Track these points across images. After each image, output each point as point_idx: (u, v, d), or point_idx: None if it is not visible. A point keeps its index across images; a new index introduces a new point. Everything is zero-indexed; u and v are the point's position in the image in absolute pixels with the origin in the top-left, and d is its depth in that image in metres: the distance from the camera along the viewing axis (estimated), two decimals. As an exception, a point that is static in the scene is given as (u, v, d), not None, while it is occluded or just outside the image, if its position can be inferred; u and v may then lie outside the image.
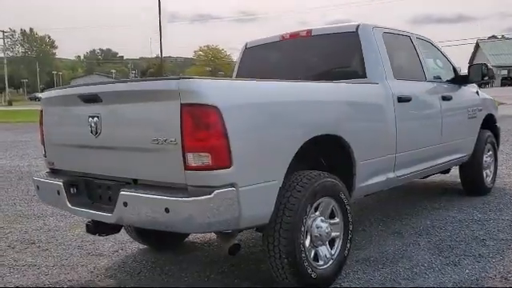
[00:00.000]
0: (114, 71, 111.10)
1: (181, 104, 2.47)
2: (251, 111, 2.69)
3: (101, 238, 4.52)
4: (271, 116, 2.79)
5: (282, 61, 4.59)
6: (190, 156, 2.48)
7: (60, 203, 3.19)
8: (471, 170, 5.43)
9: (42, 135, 3.48)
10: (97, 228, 3.10)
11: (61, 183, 3.13)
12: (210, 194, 2.45)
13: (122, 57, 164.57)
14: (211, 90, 2.52)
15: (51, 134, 3.41)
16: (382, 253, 3.88)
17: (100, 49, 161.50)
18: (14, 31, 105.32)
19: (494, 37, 72.95)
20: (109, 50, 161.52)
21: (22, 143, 14.35)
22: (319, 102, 3.19)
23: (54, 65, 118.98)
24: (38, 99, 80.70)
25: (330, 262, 3.20)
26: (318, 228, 3.11)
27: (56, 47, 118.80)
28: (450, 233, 4.33)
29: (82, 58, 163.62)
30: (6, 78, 74.84)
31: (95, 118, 2.91)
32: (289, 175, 2.92)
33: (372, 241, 4.19)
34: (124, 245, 4.37)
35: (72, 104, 3.12)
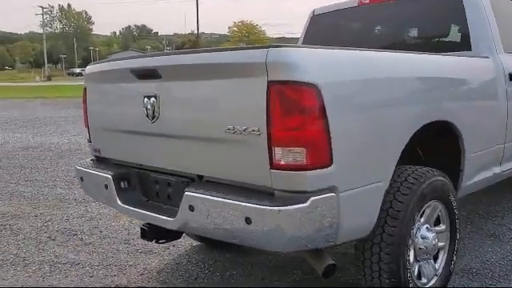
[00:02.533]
0: (149, 47, 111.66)
1: (268, 82, 1.86)
2: (358, 91, 2.06)
3: (148, 230, 4.07)
4: (382, 97, 2.15)
5: (360, 30, 3.90)
6: (278, 151, 1.88)
7: (108, 199, 2.67)
8: None
9: (86, 117, 2.95)
10: (154, 233, 2.55)
11: (110, 176, 2.61)
12: (304, 202, 1.86)
13: (157, 33, 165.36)
14: (310, 63, 1.89)
15: (97, 116, 2.88)
16: (483, 262, 3.23)
17: (135, 25, 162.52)
18: (53, 7, 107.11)
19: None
20: (144, 26, 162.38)
21: (61, 119, 14.18)
22: (434, 79, 2.52)
23: (91, 41, 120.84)
24: (75, 74, 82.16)
25: (435, 280, 2.59)
26: (423, 239, 2.49)
27: (93, 23, 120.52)
28: (560, 238, 3.62)
29: (117, 34, 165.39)
30: (45, 54, 76.18)
31: (152, 99, 2.35)
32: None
33: (466, 246, 3.53)
34: (175, 241, 3.87)
35: (123, 80, 2.56)
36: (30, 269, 3.38)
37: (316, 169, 1.88)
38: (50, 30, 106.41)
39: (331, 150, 1.89)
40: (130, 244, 3.84)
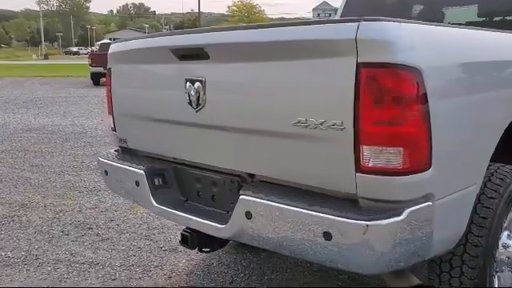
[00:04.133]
0: (146, 25, 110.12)
1: (358, 64, 1.50)
2: (460, 76, 1.70)
3: (169, 224, 3.74)
4: (484, 83, 1.80)
5: (411, 2, 3.49)
6: (367, 150, 1.52)
7: (139, 198, 2.32)
8: None
9: (111, 103, 2.57)
10: (198, 241, 2.19)
11: (142, 171, 2.25)
12: (398, 215, 1.51)
13: (154, 12, 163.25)
14: (411, 42, 1.52)
15: (124, 101, 2.50)
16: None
17: (132, 3, 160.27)
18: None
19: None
20: (141, 5, 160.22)
21: (62, 99, 13.75)
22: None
23: (88, 19, 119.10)
24: (73, 53, 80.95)
25: (512, 294, 2.26)
26: (505, 248, 2.16)
27: (89, 1, 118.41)
28: None
29: (114, 12, 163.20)
30: (42, 31, 74.92)
31: (196, 84, 1.98)
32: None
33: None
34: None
35: (160, 61, 2.18)
36: (45, 269, 3.05)
37: (413, 173, 1.53)
38: (46, 7, 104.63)
39: (431, 149, 1.54)
40: (151, 240, 3.51)
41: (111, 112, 2.61)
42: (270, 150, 1.80)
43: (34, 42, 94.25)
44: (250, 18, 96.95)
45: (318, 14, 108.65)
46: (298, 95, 1.66)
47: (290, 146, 1.71)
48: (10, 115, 10.44)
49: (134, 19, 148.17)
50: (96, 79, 18.83)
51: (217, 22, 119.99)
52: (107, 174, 2.54)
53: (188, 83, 2.02)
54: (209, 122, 2.00)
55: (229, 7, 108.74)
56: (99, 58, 18.82)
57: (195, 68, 2.01)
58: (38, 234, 3.65)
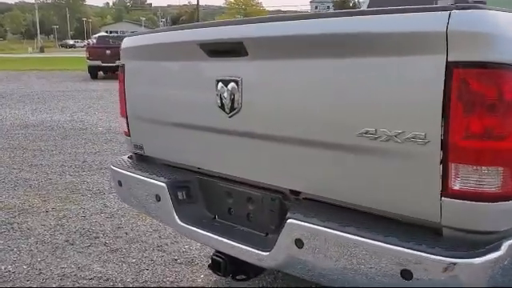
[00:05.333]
0: (143, 19, 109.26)
1: (448, 63, 1.20)
2: None
3: (182, 232, 3.45)
4: None
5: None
6: (456, 170, 1.24)
7: (161, 214, 2.03)
8: None
9: (124, 104, 2.27)
10: (232, 267, 1.89)
11: (163, 184, 1.95)
12: (496, 250, 1.22)
13: (151, 4, 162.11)
14: None
15: (141, 103, 2.19)
16: None
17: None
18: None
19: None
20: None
21: (59, 93, 13.39)
22: None
23: (84, 11, 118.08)
24: (68, 46, 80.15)
25: None
26: None
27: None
28: None
29: (110, 5, 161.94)
30: (38, 24, 74.07)
31: (231, 85, 1.68)
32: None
33: None
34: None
35: (185, 58, 1.88)
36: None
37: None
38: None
39: None
40: (164, 251, 3.22)
41: (124, 114, 2.31)
42: (324, 165, 1.50)
43: (30, 35, 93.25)
44: (246, 11, 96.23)
45: (316, 7, 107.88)
46: (365, 100, 1.36)
47: (352, 162, 1.42)
48: (6, 110, 10.10)
49: (131, 12, 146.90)
50: (94, 73, 18.47)
51: (213, 14, 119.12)
52: (121, 185, 2.24)
53: (220, 84, 1.73)
54: (244, 129, 1.71)
55: (226, 0, 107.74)
56: (97, 51, 18.50)
57: (229, 66, 1.71)
58: (40, 243, 3.36)
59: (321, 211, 1.51)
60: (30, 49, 61.87)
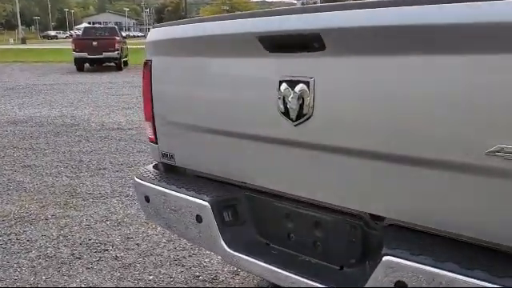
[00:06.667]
0: (127, 9, 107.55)
1: None
2: None
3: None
4: None
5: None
6: None
7: (203, 238, 1.72)
8: None
9: (151, 106, 1.94)
10: None
11: (206, 203, 1.64)
12: None
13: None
14: None
15: (173, 106, 1.87)
16: None
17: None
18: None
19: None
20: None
21: (46, 87, 12.89)
22: None
23: (66, 2, 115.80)
24: (50, 37, 78.53)
25: None
26: None
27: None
28: None
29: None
30: (19, 14, 72.25)
31: (298, 86, 1.38)
32: None
33: None
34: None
35: (236, 53, 1.56)
36: (59, 312, 2.44)
37: None
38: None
39: None
40: (183, 266, 2.92)
41: (150, 118, 1.99)
42: (431, 188, 1.21)
43: (10, 26, 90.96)
44: (232, 1, 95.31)
45: (302, 3, 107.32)
46: (495, 109, 1.07)
47: (476, 186, 1.13)
48: (-9, 105, 9.63)
49: (113, 2, 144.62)
50: (80, 65, 17.94)
51: (199, 4, 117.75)
52: (149, 202, 1.92)
53: (284, 85, 1.42)
54: (316, 141, 1.41)
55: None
56: (83, 43, 17.95)
57: (297, 63, 1.40)
58: (43, 258, 3.02)
59: (419, 243, 1.22)
60: (11, 40, 60.39)
